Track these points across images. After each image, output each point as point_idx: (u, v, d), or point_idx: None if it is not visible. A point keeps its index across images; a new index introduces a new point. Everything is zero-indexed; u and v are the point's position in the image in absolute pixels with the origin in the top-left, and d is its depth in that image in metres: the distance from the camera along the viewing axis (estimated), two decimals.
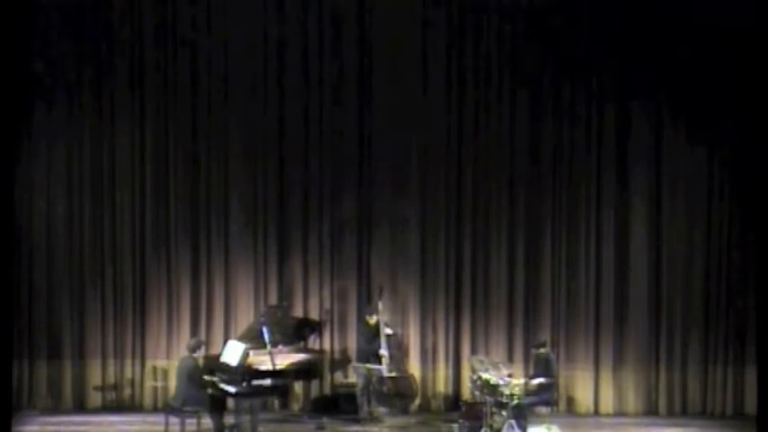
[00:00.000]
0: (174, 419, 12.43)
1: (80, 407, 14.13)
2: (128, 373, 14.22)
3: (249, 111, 14.17)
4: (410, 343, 14.27)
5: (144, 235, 14.19)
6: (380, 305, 13.68)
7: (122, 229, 14.17)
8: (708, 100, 13.99)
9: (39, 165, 14.06)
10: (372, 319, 13.70)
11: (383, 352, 13.55)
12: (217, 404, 12.67)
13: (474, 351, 14.11)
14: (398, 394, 13.68)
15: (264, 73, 14.16)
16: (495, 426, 12.26)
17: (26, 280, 14.02)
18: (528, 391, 12.69)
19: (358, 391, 13.65)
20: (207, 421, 12.63)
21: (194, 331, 14.06)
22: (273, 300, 14.21)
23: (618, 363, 14.22)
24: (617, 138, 14.21)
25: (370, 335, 13.69)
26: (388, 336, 13.63)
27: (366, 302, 14.12)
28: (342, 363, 14.29)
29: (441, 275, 14.30)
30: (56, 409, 14.07)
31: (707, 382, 14.22)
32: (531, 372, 13.27)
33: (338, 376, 14.29)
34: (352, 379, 14.00)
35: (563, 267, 14.27)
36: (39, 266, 14.07)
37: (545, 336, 13.80)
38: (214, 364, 12.82)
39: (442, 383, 14.32)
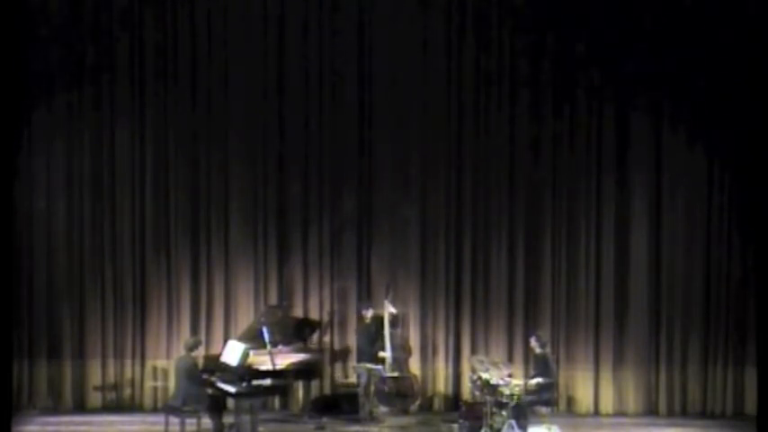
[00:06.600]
0: (174, 419, 12.43)
1: (80, 407, 14.13)
2: (128, 373, 14.23)
3: (249, 111, 14.18)
4: (410, 342, 14.28)
5: (144, 235, 14.20)
6: (387, 303, 13.70)
7: (122, 229, 14.17)
8: (708, 101, 13.99)
9: (39, 165, 14.07)
10: (367, 315, 13.74)
11: (386, 354, 13.58)
12: (216, 404, 12.68)
13: (474, 351, 14.11)
14: (400, 394, 13.71)
15: (264, 73, 14.17)
16: (495, 426, 12.26)
17: (26, 280, 14.03)
18: (528, 391, 12.69)
19: (360, 390, 13.65)
20: (207, 421, 12.63)
21: (194, 331, 14.07)
22: (273, 300, 14.21)
23: (618, 363, 14.22)
24: (617, 138, 14.21)
25: (371, 335, 13.71)
26: (392, 335, 13.64)
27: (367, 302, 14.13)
28: (342, 363, 14.29)
29: (441, 275, 14.31)
30: (56, 409, 14.08)
31: (707, 382, 14.22)
32: (531, 372, 13.27)
33: (338, 376, 14.30)
34: (353, 379, 14.01)
35: (563, 267, 14.28)
36: (39, 266, 14.08)
37: (546, 335, 13.78)
38: (214, 364, 12.83)
39: (442, 383, 14.33)
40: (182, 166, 14.22)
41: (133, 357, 14.22)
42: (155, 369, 14.21)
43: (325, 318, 14.29)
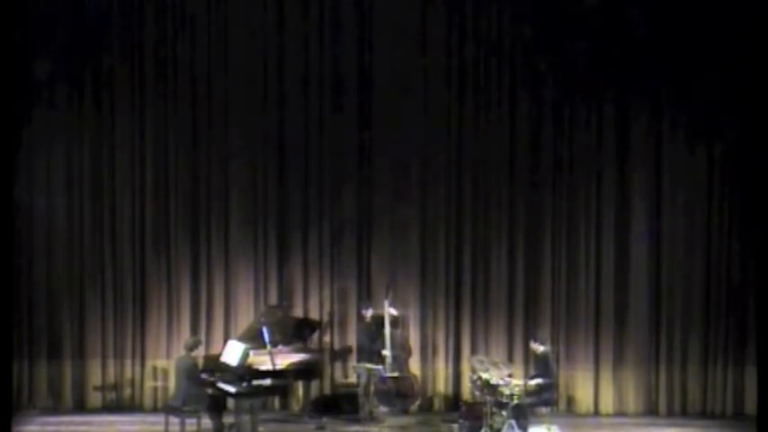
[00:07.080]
0: (174, 419, 12.42)
1: (80, 407, 14.13)
2: (128, 373, 14.22)
3: (249, 111, 14.17)
4: (410, 342, 14.27)
5: (144, 235, 14.20)
6: (387, 305, 13.70)
7: (122, 229, 14.17)
8: (708, 100, 13.98)
9: (39, 165, 14.07)
10: (367, 315, 13.75)
11: (386, 352, 13.58)
12: (216, 404, 12.68)
13: (474, 351, 14.11)
14: (400, 394, 13.71)
15: (264, 73, 14.17)
16: (495, 426, 12.25)
17: (26, 280, 14.03)
18: (528, 391, 12.67)
19: (360, 390, 13.65)
20: (207, 421, 12.62)
21: (194, 331, 14.06)
22: (273, 300, 14.21)
23: (618, 363, 14.22)
24: (617, 138, 14.21)
25: (372, 333, 13.71)
26: (392, 335, 13.64)
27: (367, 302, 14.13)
28: (342, 362, 14.29)
29: (441, 275, 14.30)
30: (56, 409, 14.08)
31: (707, 382, 14.22)
32: (531, 372, 13.26)
33: (338, 376, 14.30)
34: (353, 379, 14.01)
35: (563, 267, 14.27)
36: (39, 266, 14.08)
37: (546, 335, 13.76)
38: (214, 364, 12.82)
39: (442, 383, 14.33)
40: (182, 166, 14.22)
41: (133, 357, 14.21)
42: (155, 369, 14.21)
43: (326, 318, 14.29)
